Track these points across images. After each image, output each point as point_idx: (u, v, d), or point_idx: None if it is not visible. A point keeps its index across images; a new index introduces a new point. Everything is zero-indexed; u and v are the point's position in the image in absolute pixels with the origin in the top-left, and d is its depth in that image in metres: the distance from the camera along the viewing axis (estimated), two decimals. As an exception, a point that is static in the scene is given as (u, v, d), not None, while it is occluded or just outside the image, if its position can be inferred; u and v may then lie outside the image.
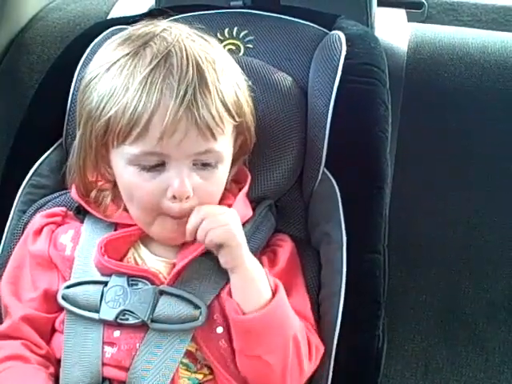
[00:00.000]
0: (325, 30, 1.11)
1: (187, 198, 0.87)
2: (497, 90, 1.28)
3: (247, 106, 0.93)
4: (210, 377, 0.90)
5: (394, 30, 1.36)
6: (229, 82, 0.89)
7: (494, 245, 1.29)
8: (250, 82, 0.95)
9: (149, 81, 0.84)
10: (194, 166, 0.88)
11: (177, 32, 0.90)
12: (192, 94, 0.84)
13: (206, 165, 0.88)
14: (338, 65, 1.03)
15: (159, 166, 0.87)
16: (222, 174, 0.91)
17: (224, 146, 0.89)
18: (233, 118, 0.89)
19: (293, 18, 1.12)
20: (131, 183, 0.89)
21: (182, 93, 0.84)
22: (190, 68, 0.85)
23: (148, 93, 0.84)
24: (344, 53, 1.04)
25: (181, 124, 0.84)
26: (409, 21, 1.42)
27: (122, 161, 0.88)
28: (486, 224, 1.29)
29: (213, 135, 0.86)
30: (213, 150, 0.87)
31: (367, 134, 1.01)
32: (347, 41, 1.06)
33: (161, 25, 0.92)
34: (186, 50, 0.87)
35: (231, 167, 0.95)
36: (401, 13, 1.44)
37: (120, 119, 0.85)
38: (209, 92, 0.86)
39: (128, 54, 0.88)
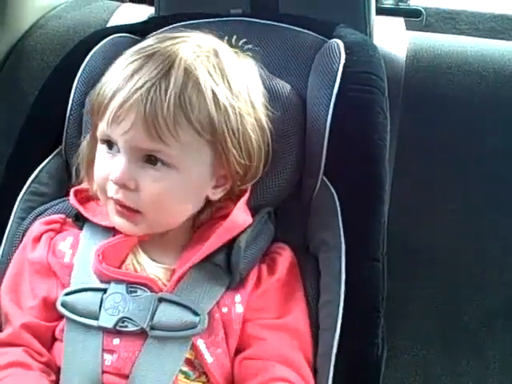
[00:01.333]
0: (324, 38, 1.11)
1: (127, 188, 0.88)
2: (495, 97, 1.29)
3: (232, 133, 0.90)
4: (208, 384, 0.90)
5: (392, 38, 1.36)
6: (204, 96, 0.88)
7: (494, 252, 1.29)
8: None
9: (123, 72, 0.89)
10: (146, 164, 0.88)
11: (189, 39, 0.92)
12: (148, 89, 0.85)
13: (155, 160, 0.87)
14: (336, 73, 1.03)
15: (115, 150, 0.89)
16: (177, 182, 0.89)
17: (178, 152, 0.87)
18: (196, 131, 0.88)
19: (292, 26, 1.12)
20: (98, 159, 0.92)
21: (138, 84, 0.86)
22: (160, 66, 0.87)
23: (116, 80, 0.88)
24: (343, 61, 1.04)
25: (129, 114, 0.86)
26: (407, 29, 1.42)
27: (99, 138, 0.92)
28: (486, 231, 1.29)
29: (159, 137, 0.86)
30: (161, 152, 0.87)
31: (366, 141, 1.01)
32: (346, 49, 1.06)
33: (192, 33, 0.96)
34: (170, 52, 0.89)
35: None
36: (399, 21, 1.44)
37: (95, 99, 0.91)
38: (165, 93, 0.86)
39: (132, 50, 0.92)
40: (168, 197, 0.89)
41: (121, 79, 0.88)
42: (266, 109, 0.96)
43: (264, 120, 0.95)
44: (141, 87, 0.86)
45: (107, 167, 0.90)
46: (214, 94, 0.89)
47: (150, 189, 0.88)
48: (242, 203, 0.95)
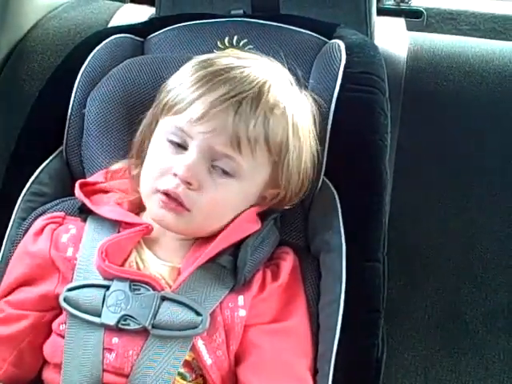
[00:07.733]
0: (324, 38, 1.11)
1: (190, 185, 0.88)
2: (496, 98, 1.29)
3: (295, 158, 0.93)
4: (204, 387, 0.90)
5: (393, 39, 1.36)
6: (286, 120, 0.92)
7: (493, 253, 1.29)
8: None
9: (201, 75, 0.91)
10: (213, 169, 0.89)
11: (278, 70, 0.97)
12: (239, 101, 0.88)
13: (223, 172, 0.89)
14: (337, 73, 1.04)
15: (184, 148, 0.90)
16: (237, 192, 0.91)
17: (249, 166, 0.90)
18: (269, 151, 0.91)
19: (293, 27, 1.13)
20: (157, 152, 0.92)
21: (231, 93, 0.88)
22: (251, 83, 0.90)
23: (196, 82, 0.90)
24: (344, 61, 1.05)
25: (216, 118, 0.88)
26: (408, 30, 1.42)
27: (162, 132, 0.92)
28: (485, 232, 1.29)
29: (239, 146, 0.88)
30: (233, 158, 0.89)
31: (367, 142, 1.01)
32: (347, 49, 1.06)
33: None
34: (257, 72, 0.92)
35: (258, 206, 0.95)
36: (400, 22, 1.45)
37: (166, 96, 0.93)
38: (256, 110, 0.89)
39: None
40: (224, 205, 0.91)
41: (203, 82, 0.90)
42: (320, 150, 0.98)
43: (315, 156, 0.97)
44: (233, 96, 0.88)
45: (170, 161, 0.90)
46: (293, 118, 0.93)
47: (212, 193, 0.89)
48: (249, 212, 0.95)
